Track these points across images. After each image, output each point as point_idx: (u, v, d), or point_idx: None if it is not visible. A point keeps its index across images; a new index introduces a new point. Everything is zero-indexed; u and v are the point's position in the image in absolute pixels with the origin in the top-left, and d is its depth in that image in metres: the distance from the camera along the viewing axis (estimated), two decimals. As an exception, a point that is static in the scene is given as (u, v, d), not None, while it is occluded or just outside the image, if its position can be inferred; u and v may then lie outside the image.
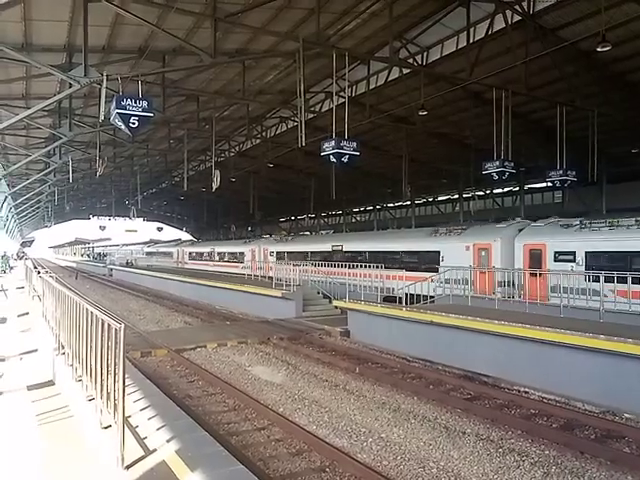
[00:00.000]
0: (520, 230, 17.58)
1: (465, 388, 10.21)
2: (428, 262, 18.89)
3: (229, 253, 38.38)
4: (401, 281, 16.15)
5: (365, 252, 23.48)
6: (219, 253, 40.05)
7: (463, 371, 11.24)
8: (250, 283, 22.15)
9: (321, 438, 7.40)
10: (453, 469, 6.63)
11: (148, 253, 56.56)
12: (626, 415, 8.46)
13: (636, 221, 14.57)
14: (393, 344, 13.53)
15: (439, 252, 19.19)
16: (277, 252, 30.95)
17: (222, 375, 11.18)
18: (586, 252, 15.07)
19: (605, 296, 11.78)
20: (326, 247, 26.77)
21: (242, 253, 35.71)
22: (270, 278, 21.04)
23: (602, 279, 11.72)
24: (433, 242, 20.12)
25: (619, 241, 14.34)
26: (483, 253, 17.78)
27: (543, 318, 10.97)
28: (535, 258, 16.15)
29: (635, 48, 15.86)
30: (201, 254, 43.60)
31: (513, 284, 15.41)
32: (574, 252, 15.37)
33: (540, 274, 14.68)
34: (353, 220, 49.47)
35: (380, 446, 7.35)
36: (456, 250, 18.48)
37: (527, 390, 9.91)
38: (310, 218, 49.44)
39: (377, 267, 17.24)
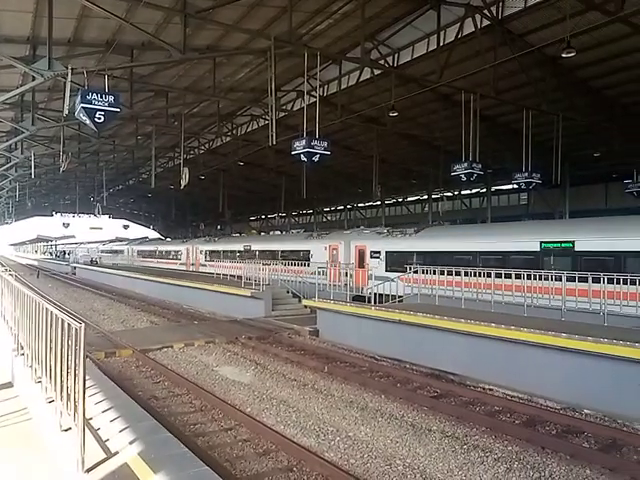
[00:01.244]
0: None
1: (432, 386, 10.34)
2: (304, 258, 24.71)
3: (169, 251, 43.66)
4: (288, 273, 20.69)
5: (265, 251, 29.60)
6: (162, 251, 45.22)
7: (430, 369, 11.39)
8: (219, 282, 21.94)
9: (289, 438, 7.38)
10: (419, 466, 6.70)
11: (103, 251, 57.63)
12: (586, 411, 8.71)
13: (414, 231, 20.82)
14: (362, 343, 13.61)
15: (309, 250, 25.17)
16: (205, 250, 36.57)
17: (189, 375, 11.02)
18: (386, 252, 20.72)
19: (393, 280, 15.31)
20: (239, 247, 32.71)
21: (179, 251, 41.00)
22: (239, 277, 20.94)
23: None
24: (306, 244, 25.96)
25: (401, 243, 20.59)
26: (334, 252, 23.38)
27: (507, 317, 11.20)
28: (361, 255, 21.95)
29: (598, 55, 16.35)
30: (147, 252, 48.13)
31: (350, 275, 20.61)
32: (379, 251, 20.95)
33: (363, 267, 20.38)
34: (324, 220, 49.55)
35: (347, 444, 7.38)
36: (319, 249, 24.39)
37: (492, 388, 10.10)
38: (281, 217, 49.36)
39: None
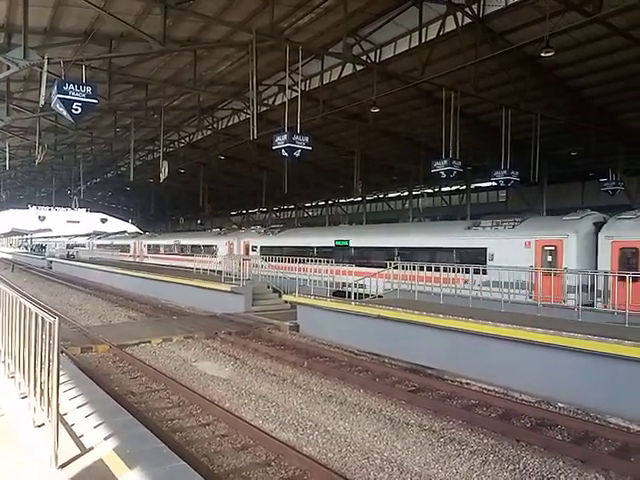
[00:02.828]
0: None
1: (410, 380, 10.43)
2: (212, 252, 31.18)
3: (122, 245, 49.31)
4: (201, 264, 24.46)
5: (188, 245, 36.67)
6: (115, 245, 50.97)
7: (409, 364, 11.48)
8: (198, 277, 21.79)
9: (267, 432, 7.37)
10: (396, 459, 6.76)
11: (68, 246, 60.24)
12: (559, 404, 8.89)
13: (278, 231, 28.01)
14: (341, 338, 13.66)
15: (216, 245, 32.06)
16: (147, 244, 43.14)
17: (167, 371, 10.93)
18: (260, 246, 27.48)
19: (264, 266, 21.25)
20: (171, 242, 39.60)
21: (129, 245, 46.73)
22: (219, 272, 20.83)
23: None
24: (214, 240, 33.27)
25: (269, 240, 27.47)
26: (231, 246, 30.35)
27: (484, 312, 11.35)
28: (247, 249, 28.69)
29: (577, 55, 16.61)
30: (104, 245, 53.62)
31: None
32: (257, 246, 27.96)
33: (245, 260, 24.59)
34: (305, 215, 49.46)
35: (326, 439, 7.40)
36: (222, 245, 31.52)
37: (469, 382, 10.23)
38: (262, 212, 49.12)
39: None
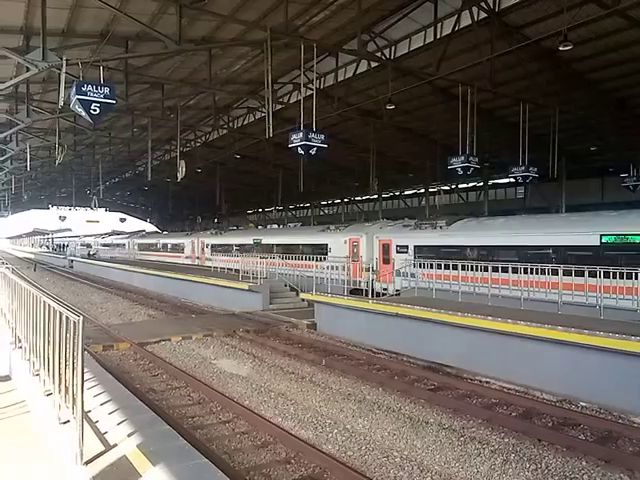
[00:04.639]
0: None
1: (429, 379, 10.38)
2: (183, 249, 39.67)
3: (119, 244, 56.48)
4: (174, 258, 36.69)
5: (165, 243, 44.32)
6: (115, 244, 57.99)
7: (427, 362, 11.42)
8: (217, 276, 21.94)
9: (286, 430, 7.40)
10: (416, 458, 6.74)
11: (81, 244, 64.42)
12: (582, 403, 8.76)
13: (222, 232, 36.43)
14: (359, 336, 13.63)
15: (183, 243, 39.65)
16: (137, 243, 50.30)
17: (187, 368, 11.03)
18: (211, 244, 34.31)
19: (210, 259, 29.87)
20: (155, 241, 47.33)
21: (124, 244, 54.07)
22: (237, 271, 20.98)
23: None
24: (182, 239, 40.65)
25: (218, 239, 34.67)
26: (193, 244, 37.48)
27: (504, 310, 11.24)
28: (203, 246, 35.50)
29: (595, 48, 16.31)
30: (106, 244, 60.41)
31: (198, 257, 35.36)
32: (209, 244, 34.75)
33: (198, 257, 36.06)
34: (321, 213, 49.45)
35: (345, 437, 7.41)
36: (187, 243, 38.83)
37: (488, 380, 10.14)
38: (278, 210, 49.26)
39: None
